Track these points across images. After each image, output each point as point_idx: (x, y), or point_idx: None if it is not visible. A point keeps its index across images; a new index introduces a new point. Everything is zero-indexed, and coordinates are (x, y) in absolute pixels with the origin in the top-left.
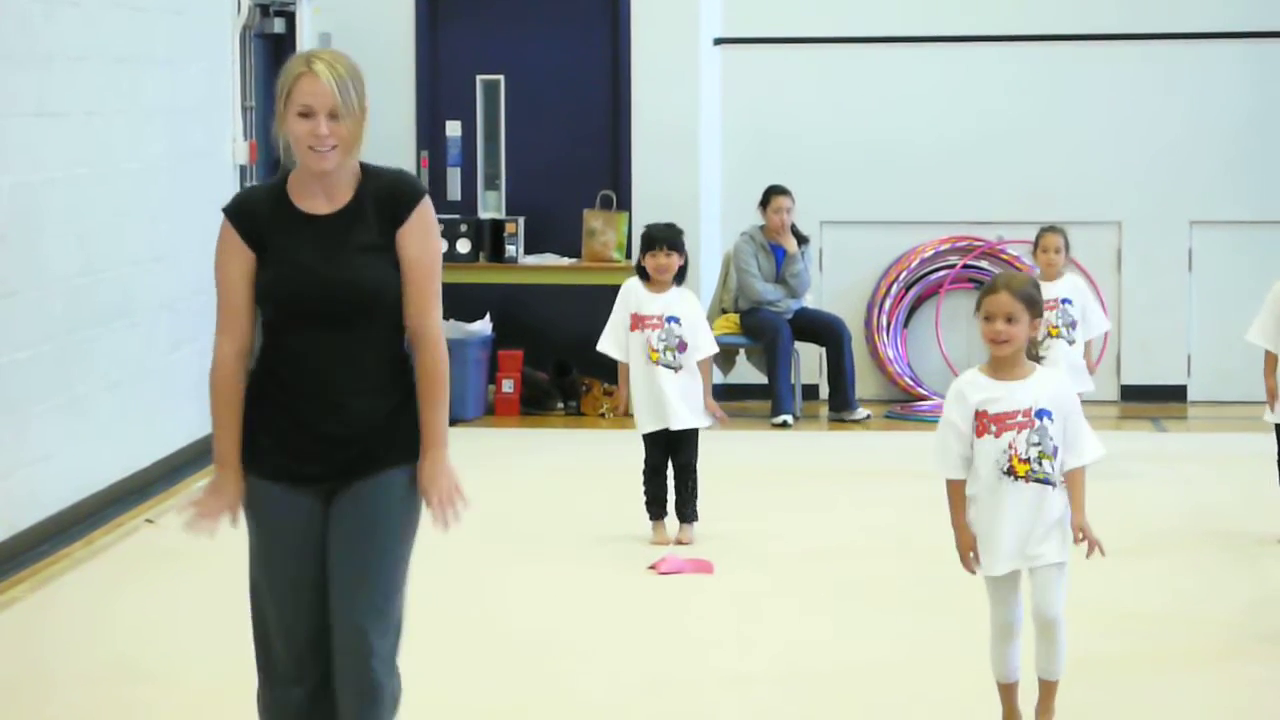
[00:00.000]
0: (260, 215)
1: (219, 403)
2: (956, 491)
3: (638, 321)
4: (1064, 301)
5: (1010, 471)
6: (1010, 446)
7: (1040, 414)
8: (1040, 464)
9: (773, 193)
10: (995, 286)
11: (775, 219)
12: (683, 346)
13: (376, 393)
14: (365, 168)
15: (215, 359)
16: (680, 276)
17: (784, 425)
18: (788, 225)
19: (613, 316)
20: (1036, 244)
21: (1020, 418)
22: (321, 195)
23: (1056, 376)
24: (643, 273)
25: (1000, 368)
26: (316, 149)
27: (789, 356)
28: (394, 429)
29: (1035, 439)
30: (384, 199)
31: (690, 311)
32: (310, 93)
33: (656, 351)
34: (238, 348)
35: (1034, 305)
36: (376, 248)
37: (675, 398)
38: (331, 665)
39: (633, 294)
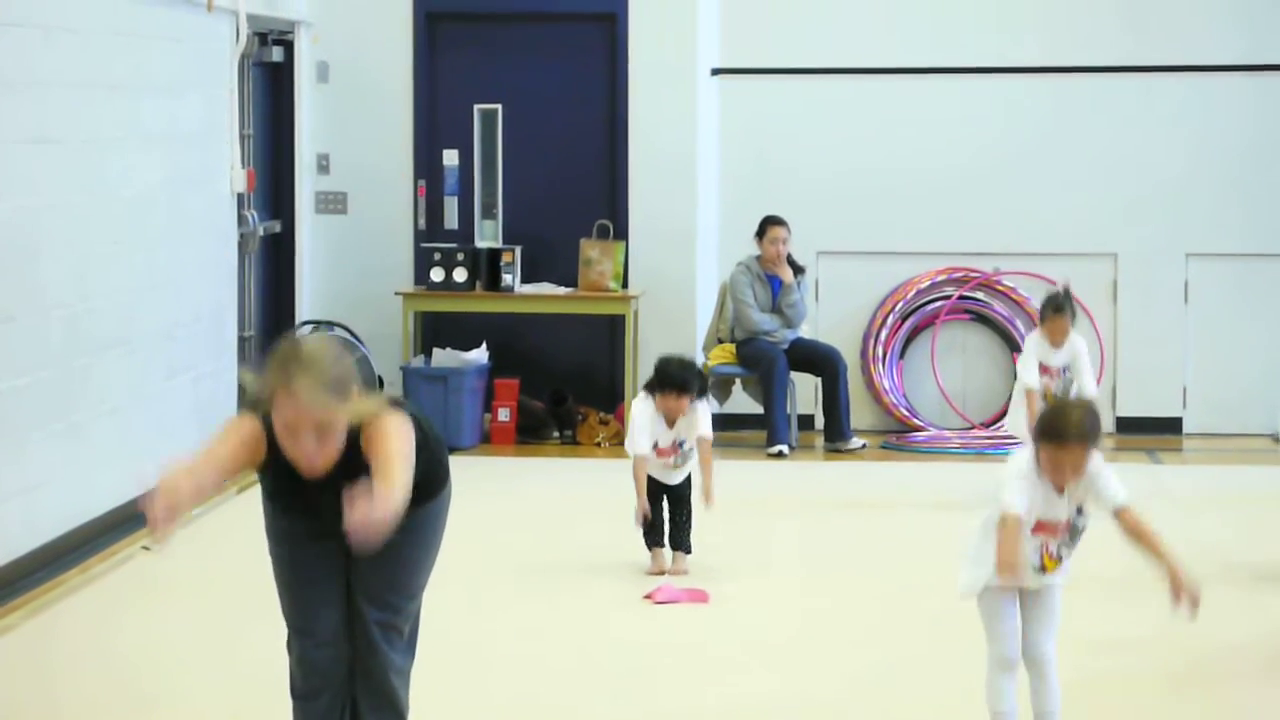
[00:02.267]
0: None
1: None
2: (1014, 524)
3: (657, 451)
4: (1063, 370)
5: (1041, 568)
6: (1043, 546)
7: (1073, 519)
8: (1065, 558)
9: (769, 223)
10: (1066, 436)
11: (771, 249)
12: (689, 453)
13: None
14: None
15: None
16: (702, 393)
17: (779, 455)
18: (784, 255)
19: (639, 421)
20: (1043, 320)
21: (1061, 526)
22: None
23: (1091, 477)
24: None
25: None
26: (304, 461)
27: (785, 386)
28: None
29: (1068, 539)
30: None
31: (694, 427)
32: (292, 410)
33: (669, 469)
34: (208, 469)
35: (1098, 440)
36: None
37: (677, 474)
38: (348, 676)
39: (653, 419)
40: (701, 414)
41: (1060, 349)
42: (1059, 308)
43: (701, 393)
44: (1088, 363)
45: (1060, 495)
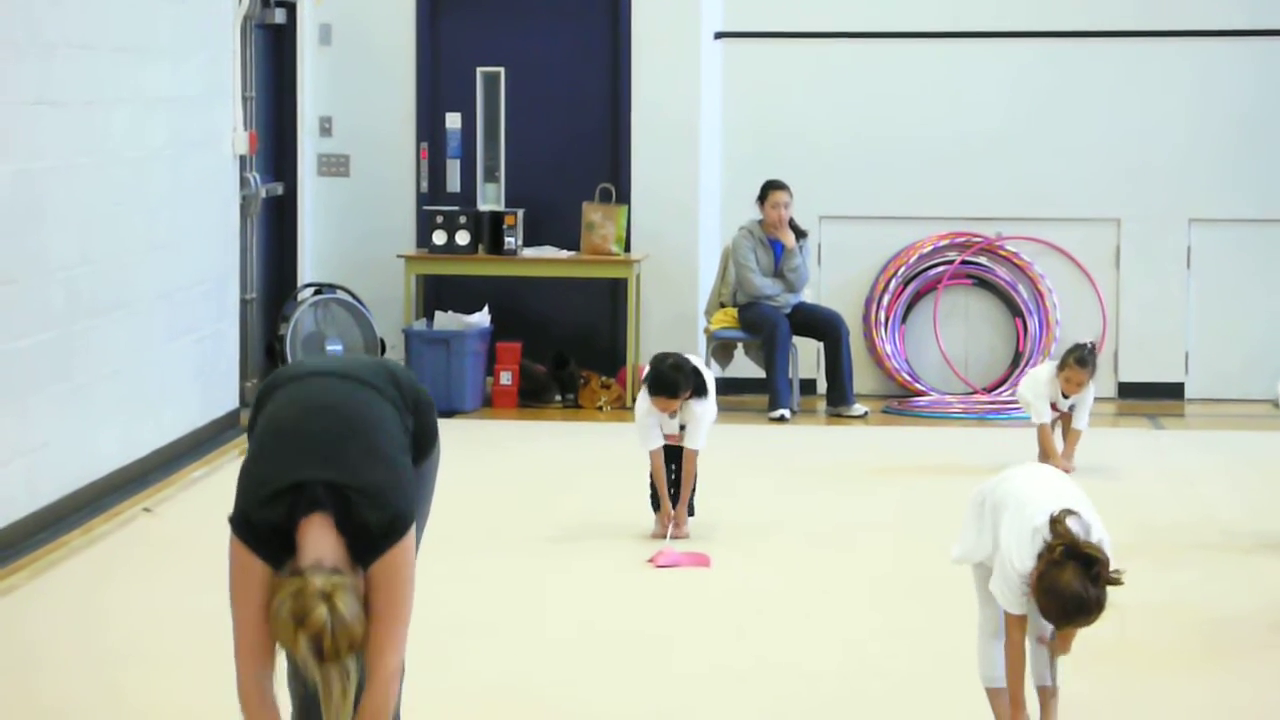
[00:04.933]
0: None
1: None
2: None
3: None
4: (1071, 407)
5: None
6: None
7: None
8: None
9: (771, 187)
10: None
11: (773, 213)
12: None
13: None
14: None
15: (239, 682)
16: (699, 391)
17: (781, 420)
18: (785, 220)
19: (642, 420)
20: (1063, 368)
21: None
22: None
23: None
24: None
25: None
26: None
27: (787, 351)
28: None
29: None
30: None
31: (695, 418)
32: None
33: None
34: (262, 671)
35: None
36: None
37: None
38: None
39: (651, 411)
40: (700, 415)
41: (1070, 396)
42: (1083, 361)
43: (699, 391)
44: (1089, 404)
45: None
